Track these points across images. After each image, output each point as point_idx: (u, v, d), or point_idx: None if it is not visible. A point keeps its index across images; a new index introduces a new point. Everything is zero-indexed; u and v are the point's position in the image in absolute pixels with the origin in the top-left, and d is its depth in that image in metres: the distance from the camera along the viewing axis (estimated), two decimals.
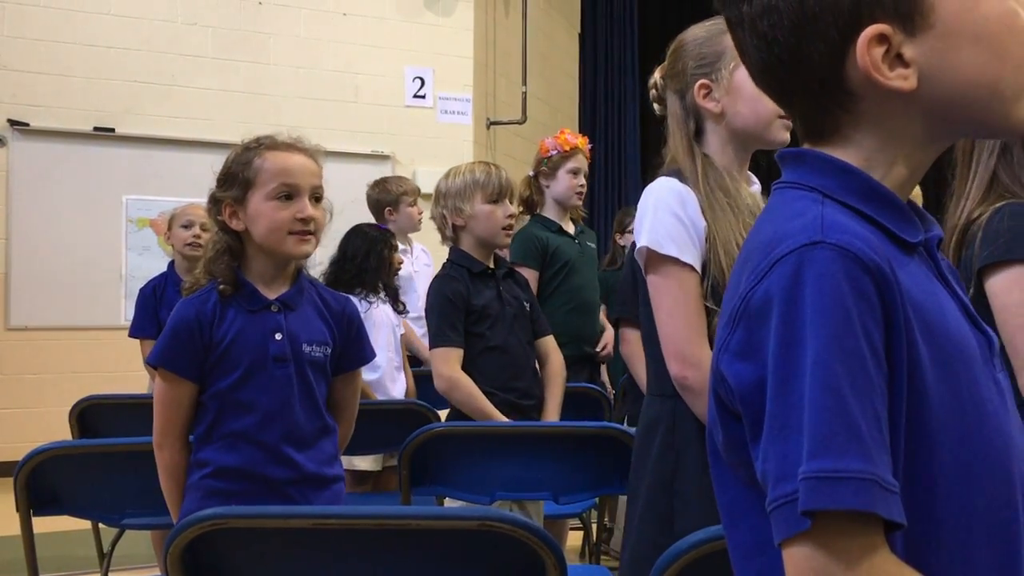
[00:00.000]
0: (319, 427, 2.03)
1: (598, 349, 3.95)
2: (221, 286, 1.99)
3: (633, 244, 3.19)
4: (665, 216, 1.71)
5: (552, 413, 2.81)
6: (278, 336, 1.99)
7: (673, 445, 1.74)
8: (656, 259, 1.72)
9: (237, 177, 1.98)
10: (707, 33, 1.81)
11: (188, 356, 1.95)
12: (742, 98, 1.75)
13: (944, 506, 0.80)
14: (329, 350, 2.06)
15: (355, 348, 2.13)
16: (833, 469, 0.73)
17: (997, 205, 1.71)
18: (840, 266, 0.77)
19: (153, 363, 1.97)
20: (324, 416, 2.05)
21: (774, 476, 0.76)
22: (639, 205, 1.81)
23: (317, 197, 2.00)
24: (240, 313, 1.99)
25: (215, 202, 2.01)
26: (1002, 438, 0.84)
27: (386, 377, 3.69)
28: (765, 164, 1.92)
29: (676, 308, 1.70)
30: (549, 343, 2.91)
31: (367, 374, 3.54)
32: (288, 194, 1.96)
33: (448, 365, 2.66)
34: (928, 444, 0.80)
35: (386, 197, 4.47)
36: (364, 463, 3.59)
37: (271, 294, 2.02)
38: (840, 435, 0.74)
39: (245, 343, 1.97)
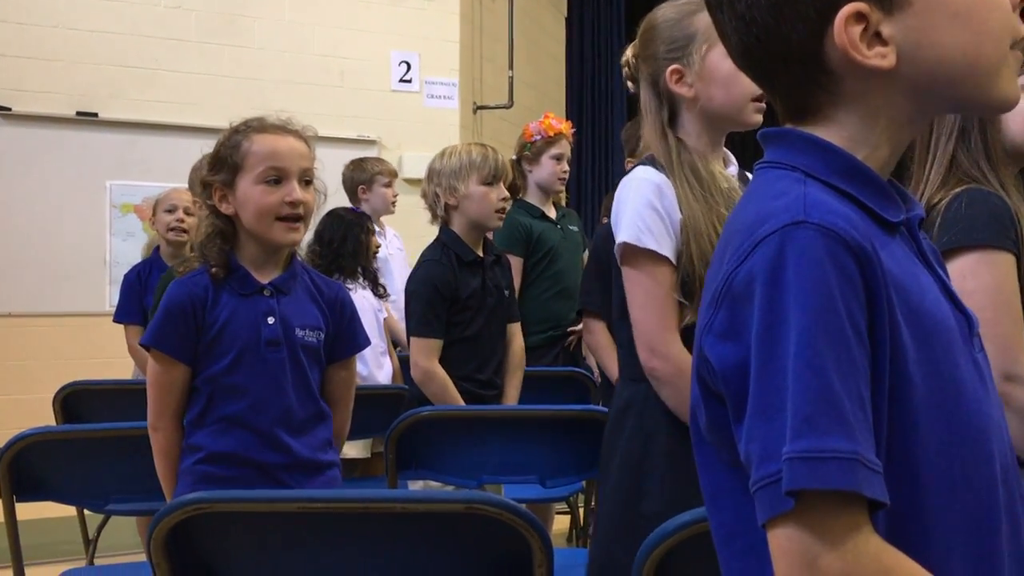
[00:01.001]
0: (313, 412, 2.03)
1: (569, 332, 3.90)
2: (213, 269, 1.97)
3: (598, 235, 3.19)
4: (643, 209, 1.72)
5: (510, 399, 2.83)
6: (270, 320, 1.97)
7: (643, 428, 1.76)
8: (633, 251, 1.72)
9: (226, 161, 1.97)
10: (677, 14, 1.78)
11: (181, 337, 1.94)
12: (715, 81, 1.74)
13: (926, 485, 0.81)
14: (322, 335, 2.05)
15: (348, 335, 2.12)
16: (817, 449, 0.73)
17: (956, 191, 1.71)
18: (823, 246, 0.77)
19: (146, 344, 1.96)
20: (318, 402, 2.05)
21: (758, 456, 0.76)
22: (616, 196, 1.81)
23: (307, 180, 1.98)
24: (232, 297, 1.97)
25: (205, 186, 1.99)
26: (981, 418, 0.85)
27: (372, 363, 3.68)
28: (739, 142, 1.91)
29: (648, 301, 1.71)
30: (515, 329, 2.92)
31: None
32: (276, 178, 1.94)
33: (427, 357, 2.66)
34: (910, 423, 0.80)
35: (360, 176, 4.42)
36: (352, 450, 3.58)
37: (264, 278, 2.00)
38: (824, 415, 0.74)
39: (237, 327, 1.96)
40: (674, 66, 1.77)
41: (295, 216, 1.96)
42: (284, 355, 1.98)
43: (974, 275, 1.61)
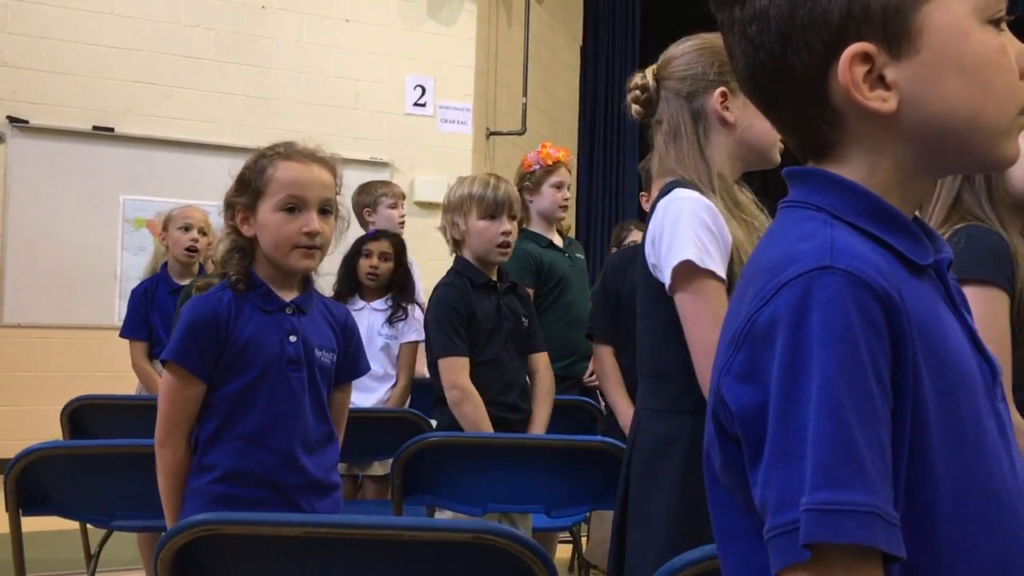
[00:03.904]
0: (326, 433, 2.04)
1: (586, 377, 3.88)
2: (233, 278, 1.98)
3: (609, 264, 3.18)
4: (700, 230, 1.69)
5: (538, 428, 2.81)
6: (292, 338, 1.98)
7: (697, 464, 1.71)
8: (695, 273, 1.68)
9: (250, 184, 1.98)
10: None
11: (202, 354, 1.93)
12: (759, 113, 1.74)
13: (943, 534, 0.80)
14: (335, 357, 2.06)
15: (353, 360, 2.14)
16: (836, 501, 0.72)
17: (956, 227, 1.73)
18: (848, 292, 0.76)
19: (167, 359, 1.95)
20: (329, 423, 2.06)
21: (774, 504, 0.75)
22: (661, 218, 1.76)
23: (326, 210, 1.99)
24: (256, 312, 1.98)
25: (228, 206, 2.01)
26: (1000, 469, 0.84)
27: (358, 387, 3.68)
28: (759, 182, 1.91)
29: (713, 325, 1.64)
30: (541, 360, 2.90)
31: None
32: (295, 206, 1.95)
33: (459, 375, 2.64)
34: (930, 474, 0.79)
35: (365, 198, 4.43)
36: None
37: (284, 297, 2.02)
38: (844, 466, 0.73)
39: (261, 344, 1.96)
40: (723, 88, 1.77)
41: (311, 245, 1.97)
42: (304, 375, 1.98)
43: (970, 311, 1.62)
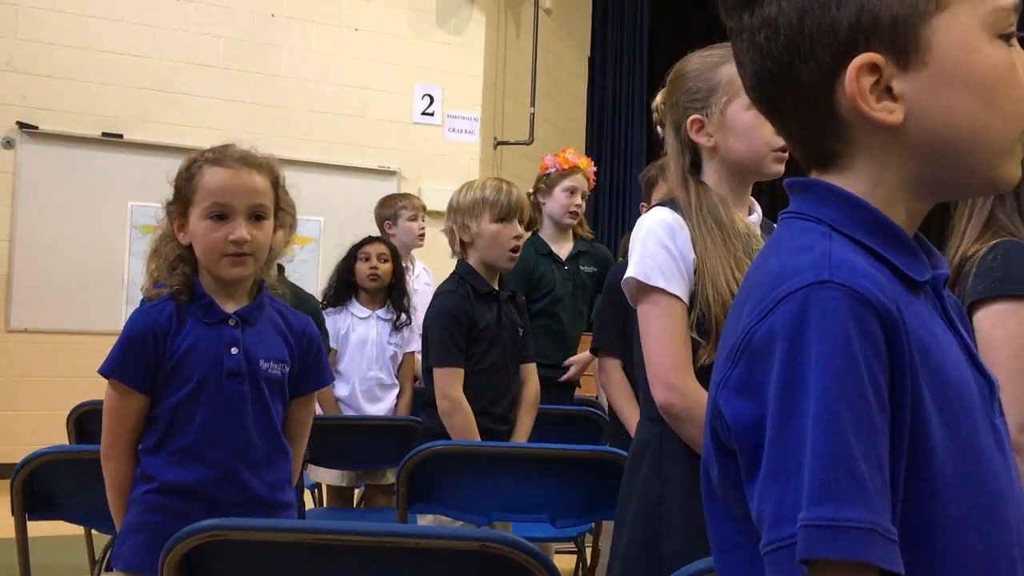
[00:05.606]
0: (273, 448, 1.97)
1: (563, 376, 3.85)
2: (176, 289, 1.93)
3: (612, 275, 3.18)
4: (654, 247, 1.73)
5: (521, 437, 2.82)
6: (233, 350, 1.93)
7: (660, 469, 1.75)
8: (644, 289, 1.74)
9: (180, 191, 1.94)
10: (702, 65, 1.81)
11: (139, 368, 1.90)
12: (733, 133, 1.76)
13: (942, 551, 0.79)
14: (287, 368, 2.00)
15: (314, 370, 2.07)
16: (834, 517, 0.72)
17: (992, 243, 1.73)
18: (847, 307, 0.76)
19: (104, 373, 1.92)
20: (280, 437, 1.99)
21: (771, 518, 0.75)
22: (632, 236, 1.83)
23: (258, 215, 1.93)
24: (197, 325, 1.93)
25: (167, 213, 1.97)
26: (998, 485, 0.83)
27: (364, 396, 3.69)
28: (768, 191, 1.92)
29: (662, 336, 1.71)
30: (530, 370, 2.91)
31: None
32: (222, 214, 1.89)
33: (453, 386, 2.64)
34: (928, 489, 0.79)
35: (385, 211, 4.47)
36: (331, 478, 3.60)
37: (230, 308, 1.96)
38: (842, 482, 0.72)
39: (199, 356, 1.91)
40: (694, 116, 1.79)
41: (240, 253, 1.90)
42: (245, 387, 1.92)
43: (1003, 324, 1.63)
